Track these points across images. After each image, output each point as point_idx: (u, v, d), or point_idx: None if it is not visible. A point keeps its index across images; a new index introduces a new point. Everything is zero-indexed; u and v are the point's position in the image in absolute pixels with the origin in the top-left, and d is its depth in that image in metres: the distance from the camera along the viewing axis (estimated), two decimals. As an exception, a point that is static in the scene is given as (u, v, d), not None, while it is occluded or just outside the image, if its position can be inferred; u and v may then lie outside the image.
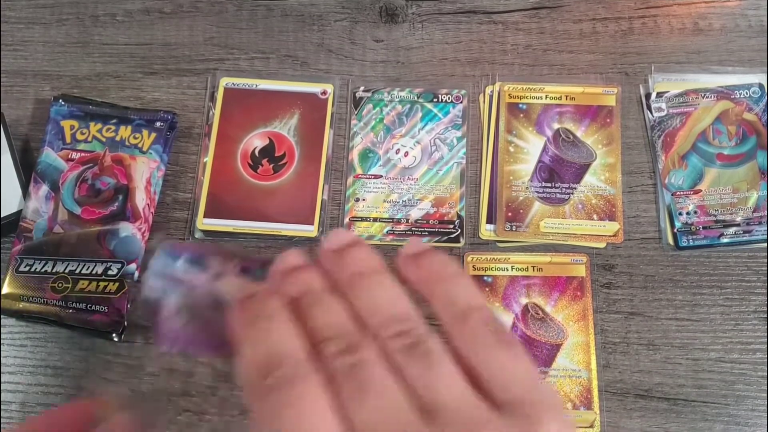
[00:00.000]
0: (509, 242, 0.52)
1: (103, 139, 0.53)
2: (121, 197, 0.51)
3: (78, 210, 0.51)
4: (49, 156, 0.52)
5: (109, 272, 0.49)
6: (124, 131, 0.53)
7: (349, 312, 0.23)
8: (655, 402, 0.48)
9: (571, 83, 0.56)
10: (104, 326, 0.49)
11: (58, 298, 0.49)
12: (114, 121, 0.53)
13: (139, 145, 0.53)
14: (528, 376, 0.22)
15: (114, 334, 0.49)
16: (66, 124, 0.53)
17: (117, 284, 0.49)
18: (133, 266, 0.50)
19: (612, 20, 0.58)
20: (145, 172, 0.52)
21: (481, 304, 0.24)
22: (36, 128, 0.55)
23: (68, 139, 0.53)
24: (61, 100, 0.54)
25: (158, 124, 0.53)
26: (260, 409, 0.21)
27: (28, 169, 0.52)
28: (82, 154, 0.52)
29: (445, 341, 0.22)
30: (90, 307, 0.49)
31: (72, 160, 0.52)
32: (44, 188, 0.51)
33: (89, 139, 0.53)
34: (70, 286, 0.49)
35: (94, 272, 0.49)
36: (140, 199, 0.51)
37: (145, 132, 0.53)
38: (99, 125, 0.53)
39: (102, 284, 0.49)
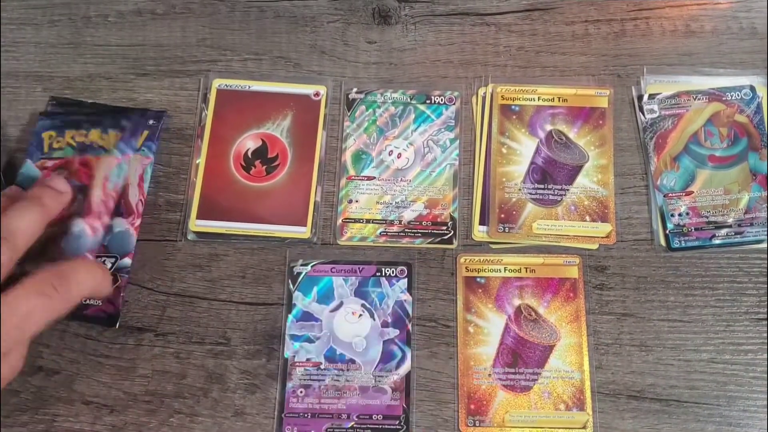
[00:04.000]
0: (502, 243, 0.52)
1: (75, 144, 0.53)
2: (80, 197, 0.51)
3: None
4: (29, 167, 0.53)
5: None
6: (94, 134, 0.53)
7: None
8: (647, 403, 0.48)
9: (564, 85, 0.56)
10: (99, 320, 0.49)
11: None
12: (86, 125, 0.54)
13: (105, 146, 0.53)
14: None
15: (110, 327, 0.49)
16: (46, 135, 0.54)
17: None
18: (127, 260, 0.50)
19: (604, 22, 0.58)
20: (108, 169, 0.52)
21: None
22: (27, 130, 0.55)
23: (46, 149, 0.53)
24: (50, 105, 0.54)
25: (151, 122, 0.54)
26: None
27: (12, 177, 0.53)
28: (56, 162, 0.53)
29: None
30: (84, 300, 0.48)
31: (46, 168, 0.53)
32: None
33: (63, 146, 0.53)
34: None
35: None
36: (133, 195, 0.52)
37: (111, 133, 0.53)
38: (72, 131, 0.54)
39: None
